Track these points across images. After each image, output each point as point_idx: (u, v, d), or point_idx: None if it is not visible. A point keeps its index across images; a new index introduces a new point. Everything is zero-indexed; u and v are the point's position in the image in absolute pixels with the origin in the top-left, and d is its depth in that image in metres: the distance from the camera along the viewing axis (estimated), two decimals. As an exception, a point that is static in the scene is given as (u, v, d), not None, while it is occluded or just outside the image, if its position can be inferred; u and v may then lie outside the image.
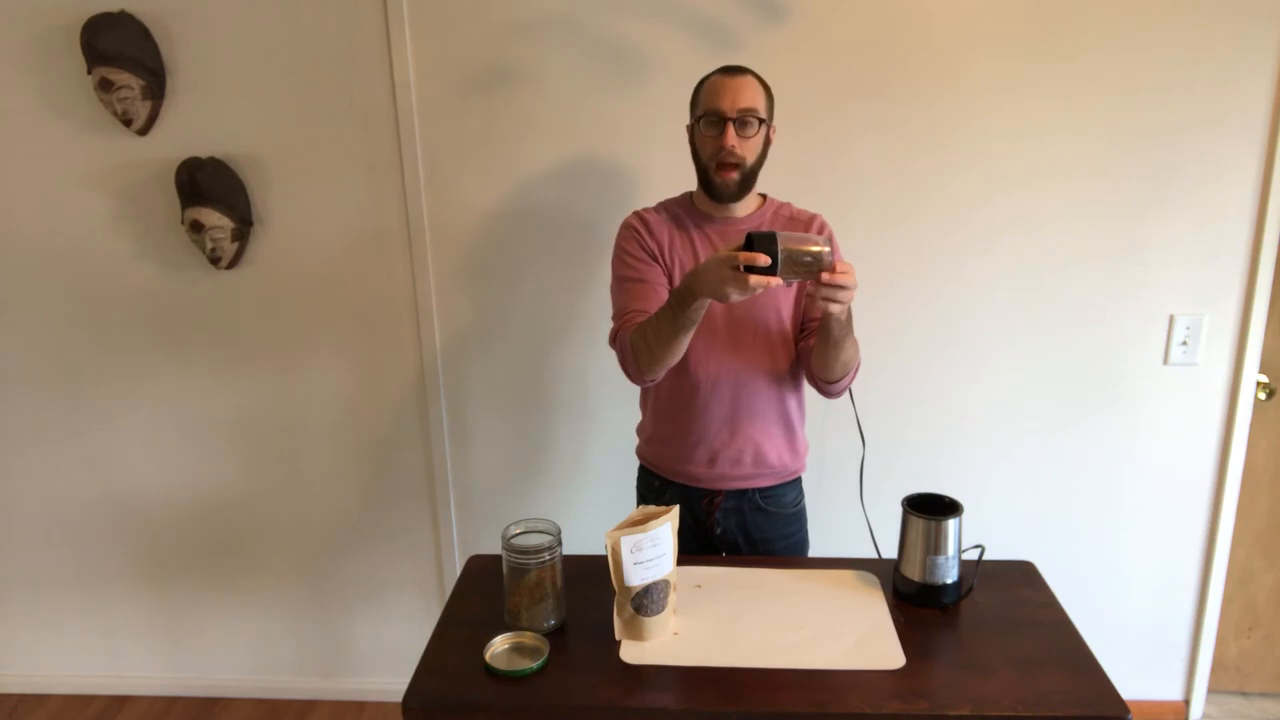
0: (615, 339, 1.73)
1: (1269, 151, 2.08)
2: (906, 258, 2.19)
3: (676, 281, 1.73)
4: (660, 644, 1.42)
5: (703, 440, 1.77)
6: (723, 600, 1.55)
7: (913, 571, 1.53)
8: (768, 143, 1.70)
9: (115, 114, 2.11)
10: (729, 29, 2.05)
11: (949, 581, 1.52)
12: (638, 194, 2.13)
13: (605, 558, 1.40)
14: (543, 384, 2.32)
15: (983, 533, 1.86)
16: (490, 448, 2.38)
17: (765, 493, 1.84)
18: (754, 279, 1.37)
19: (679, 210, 1.78)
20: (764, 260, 1.36)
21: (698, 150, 1.69)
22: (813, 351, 1.71)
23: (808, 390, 1.84)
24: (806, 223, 1.78)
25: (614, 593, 1.42)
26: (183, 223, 2.19)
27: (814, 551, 2.01)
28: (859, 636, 1.44)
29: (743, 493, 1.83)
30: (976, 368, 2.26)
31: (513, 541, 1.47)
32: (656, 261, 1.73)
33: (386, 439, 2.39)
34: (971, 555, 1.57)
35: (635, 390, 2.22)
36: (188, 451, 2.43)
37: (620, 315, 1.73)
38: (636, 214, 1.79)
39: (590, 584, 1.56)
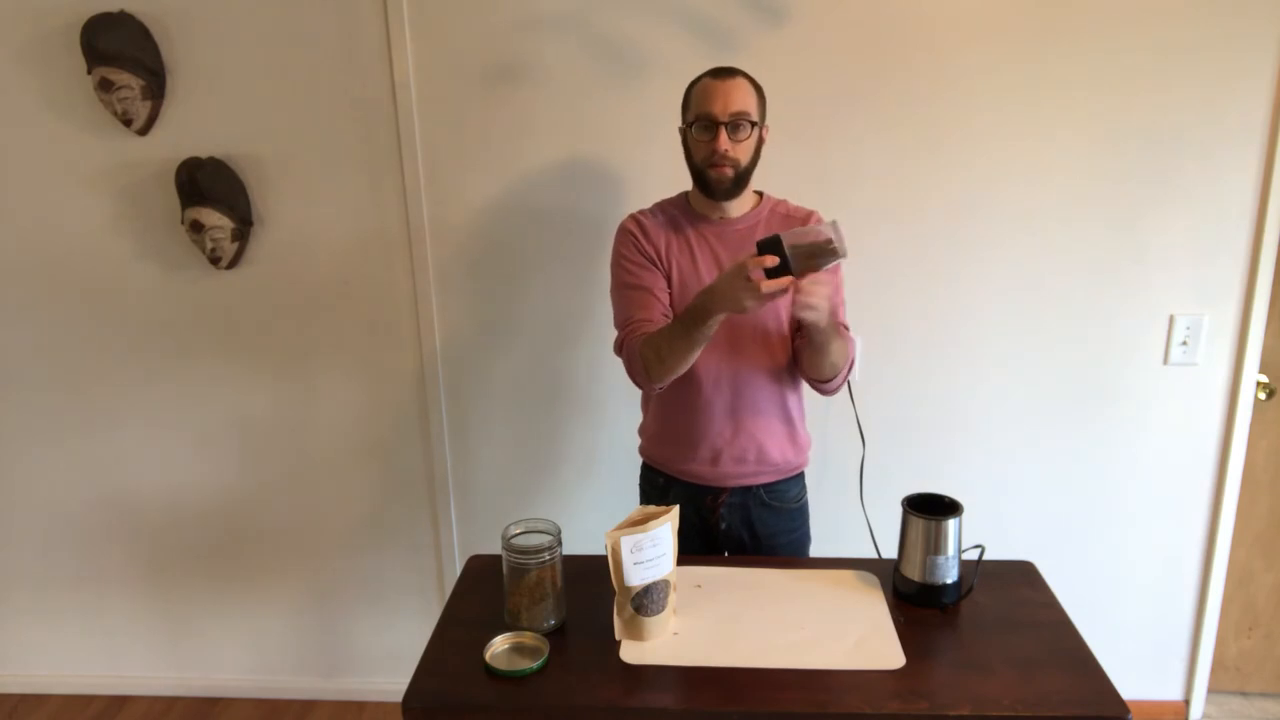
0: (622, 348, 1.74)
1: (1269, 151, 2.08)
2: (906, 258, 2.19)
3: (675, 283, 1.73)
4: (660, 644, 1.42)
5: (705, 439, 1.78)
6: (723, 600, 1.55)
7: (913, 571, 1.53)
8: (760, 143, 1.71)
9: (115, 114, 2.11)
10: (729, 28, 2.05)
11: (949, 581, 1.52)
12: (637, 193, 2.13)
13: (605, 558, 1.40)
14: (543, 383, 2.32)
15: (983, 533, 1.86)
16: (490, 447, 2.38)
17: (769, 488, 1.85)
18: (769, 285, 1.40)
19: (675, 212, 1.78)
20: (772, 262, 1.39)
21: (691, 153, 1.70)
22: (801, 353, 1.73)
23: (807, 387, 1.84)
24: (803, 219, 1.79)
25: (614, 593, 1.42)
26: (183, 223, 2.19)
27: (814, 551, 2.01)
28: (859, 636, 1.44)
29: (747, 489, 1.83)
30: (976, 368, 2.26)
31: (513, 541, 1.47)
32: (655, 266, 1.73)
33: (387, 439, 2.39)
34: (971, 555, 1.57)
35: (635, 390, 2.22)
36: (188, 451, 2.43)
37: (625, 324, 1.73)
38: (633, 218, 1.79)
39: (590, 584, 1.56)
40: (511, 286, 2.26)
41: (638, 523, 1.42)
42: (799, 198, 1.87)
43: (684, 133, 1.72)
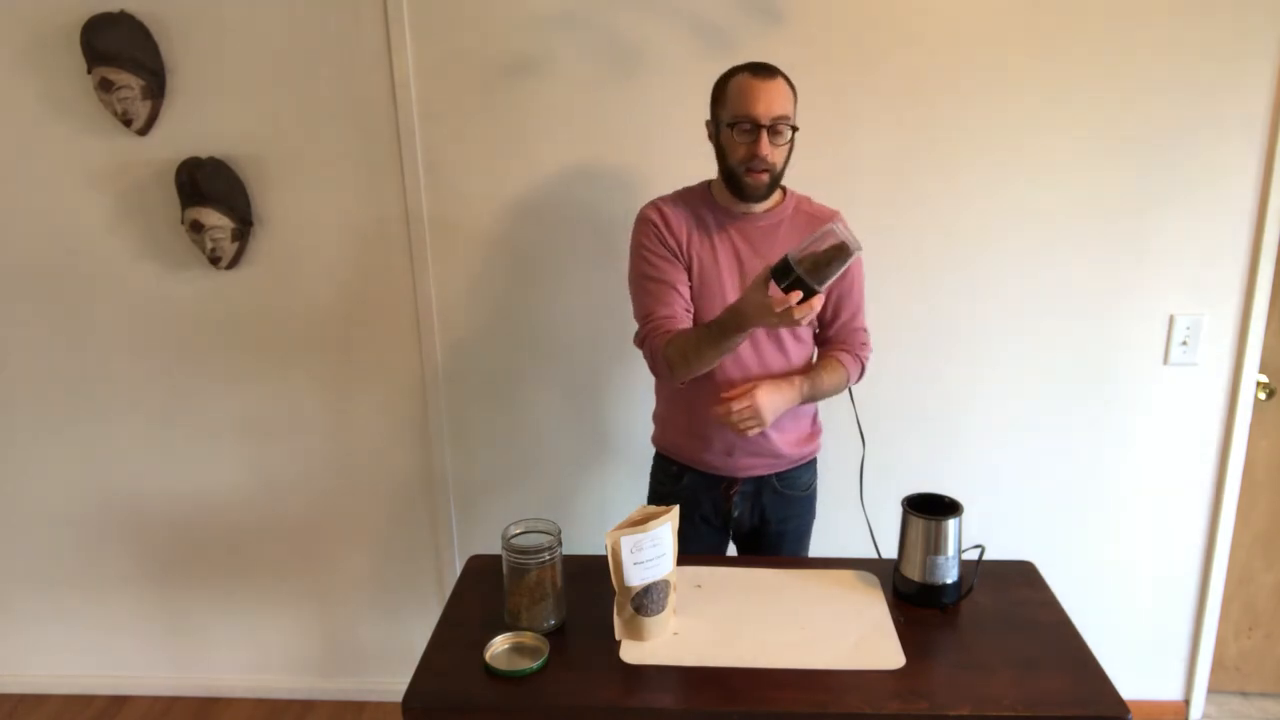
0: (644, 343, 1.73)
1: (1269, 152, 2.08)
2: (906, 258, 2.19)
3: (695, 276, 1.73)
4: (660, 644, 1.42)
5: (721, 433, 1.78)
6: (723, 600, 1.55)
7: (913, 571, 1.53)
8: (792, 145, 1.70)
9: (115, 114, 2.11)
10: (729, 25, 2.05)
11: (949, 581, 1.52)
12: (638, 191, 2.13)
13: (605, 558, 1.40)
14: (543, 383, 2.32)
15: (983, 533, 1.86)
16: (490, 447, 2.38)
17: (782, 476, 1.86)
18: (799, 311, 1.41)
19: (697, 203, 1.76)
20: (796, 296, 1.40)
21: (726, 152, 1.68)
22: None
23: None
24: (829, 219, 1.78)
25: (614, 593, 1.42)
26: (183, 223, 2.19)
27: (815, 551, 2.01)
28: (859, 636, 1.44)
29: (761, 478, 1.84)
30: (977, 368, 2.26)
31: (513, 541, 1.47)
32: (677, 258, 1.72)
33: (387, 438, 2.39)
34: (971, 555, 1.57)
35: (637, 389, 2.23)
36: (187, 451, 2.43)
37: (647, 319, 1.73)
38: (654, 206, 1.75)
39: (590, 584, 1.56)
40: (512, 286, 2.26)
41: (638, 523, 1.42)
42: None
43: (715, 127, 1.70)
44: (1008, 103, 2.08)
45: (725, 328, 1.56)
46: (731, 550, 2.00)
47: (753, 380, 1.68)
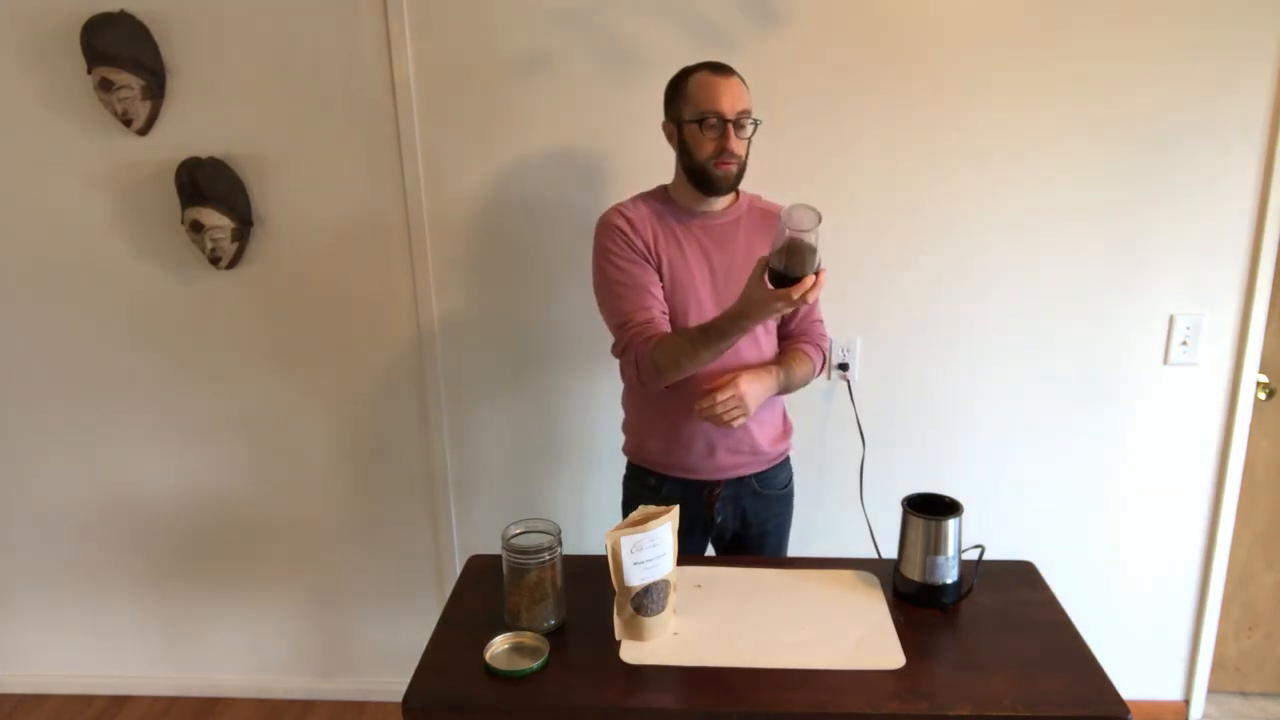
0: (625, 350, 1.73)
1: (1269, 152, 2.08)
2: (906, 257, 2.19)
3: (666, 277, 1.74)
4: (660, 644, 1.42)
5: (702, 431, 1.78)
6: (723, 600, 1.55)
7: (913, 571, 1.53)
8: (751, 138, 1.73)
9: (115, 114, 2.11)
10: (728, 25, 2.05)
11: (949, 581, 1.52)
12: (636, 188, 2.12)
13: (605, 558, 1.40)
14: (543, 382, 2.32)
15: (983, 533, 1.86)
16: (490, 447, 2.38)
17: (760, 477, 1.87)
18: (812, 295, 1.44)
19: (658, 204, 1.79)
20: (809, 283, 1.42)
21: (691, 149, 1.70)
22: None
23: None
24: (777, 213, 1.82)
25: (614, 593, 1.42)
26: (183, 223, 2.19)
27: (815, 551, 2.01)
28: (859, 636, 1.44)
29: (740, 480, 1.85)
30: (976, 367, 2.26)
31: (513, 541, 1.47)
32: (646, 260, 1.73)
33: (386, 438, 2.39)
34: (971, 555, 1.57)
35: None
36: (187, 451, 2.43)
37: (623, 325, 1.72)
38: (617, 211, 1.77)
39: (590, 584, 1.56)
40: (512, 286, 2.26)
41: (638, 523, 1.42)
42: (797, 197, 1.86)
43: (677, 128, 1.72)
44: (1007, 103, 2.08)
45: (724, 331, 1.58)
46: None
47: (730, 373, 1.69)
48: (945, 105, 2.08)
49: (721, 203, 1.78)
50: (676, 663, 1.38)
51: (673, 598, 1.46)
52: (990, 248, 2.17)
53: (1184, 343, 2.21)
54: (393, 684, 2.58)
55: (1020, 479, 2.34)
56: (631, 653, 1.40)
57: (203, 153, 2.17)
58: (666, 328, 1.72)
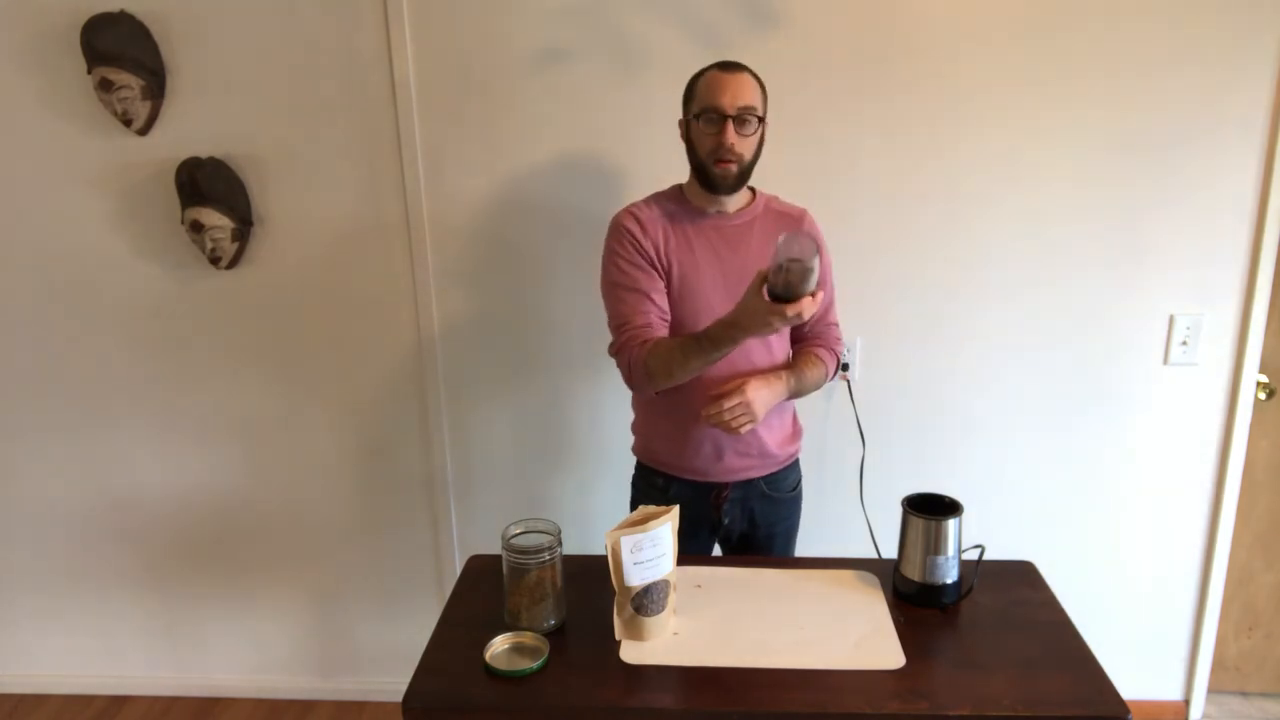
0: (620, 352, 1.73)
1: (1268, 152, 2.08)
2: (906, 258, 2.19)
3: (675, 277, 1.73)
4: (660, 644, 1.42)
5: (710, 434, 1.77)
6: (723, 600, 1.55)
7: (913, 571, 1.53)
8: (762, 139, 1.71)
9: (115, 114, 2.11)
10: (728, 25, 2.05)
11: (949, 581, 1.52)
12: (636, 188, 2.12)
13: (605, 558, 1.40)
14: (543, 382, 2.32)
15: (983, 533, 1.86)
16: (490, 447, 2.38)
17: (769, 479, 1.86)
18: (810, 309, 1.43)
19: (672, 205, 1.77)
20: (806, 306, 1.42)
21: (694, 145, 1.70)
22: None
23: None
24: (797, 218, 1.82)
25: (614, 593, 1.42)
26: (183, 223, 2.19)
27: (814, 551, 2.01)
28: (859, 636, 1.44)
29: (749, 482, 1.84)
30: (976, 368, 2.26)
31: (513, 541, 1.47)
32: (652, 266, 1.73)
33: (386, 438, 2.39)
34: (971, 555, 1.57)
35: (636, 390, 2.21)
36: (187, 451, 2.43)
37: (622, 327, 1.72)
38: (629, 213, 1.77)
39: (590, 584, 1.56)
40: (512, 285, 2.26)
41: (638, 523, 1.42)
42: (799, 197, 1.87)
43: (686, 125, 1.72)
44: (1007, 104, 2.08)
45: (718, 340, 1.58)
46: None
47: (740, 377, 1.69)
48: (945, 106, 2.08)
49: (735, 203, 1.76)
50: (676, 663, 1.38)
51: (673, 598, 1.46)
52: (990, 248, 2.17)
53: (1184, 343, 2.21)
54: (393, 684, 2.58)
55: (1020, 479, 2.34)
56: (631, 653, 1.40)
57: (203, 153, 2.17)
58: (663, 333, 1.72)
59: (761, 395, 1.66)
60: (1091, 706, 1.28)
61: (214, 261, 2.22)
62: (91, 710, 2.59)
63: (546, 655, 1.38)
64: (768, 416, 1.76)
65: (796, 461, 1.93)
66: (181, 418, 2.40)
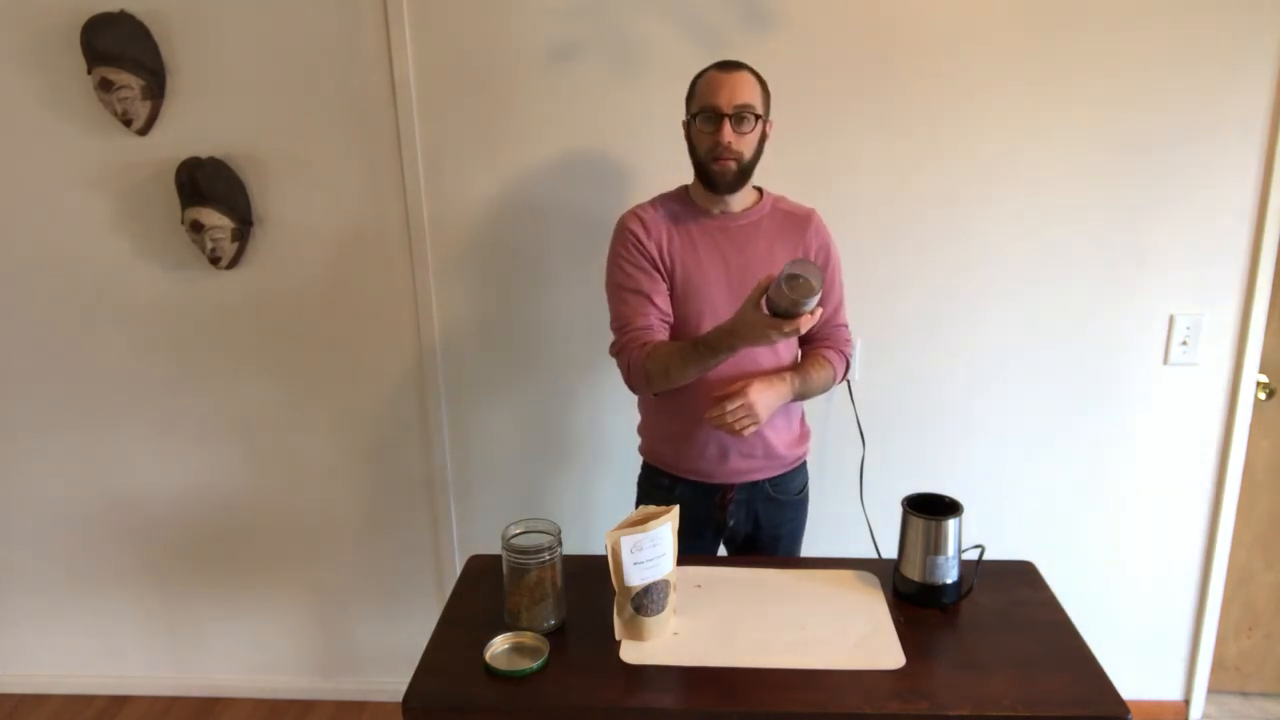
0: (620, 353, 1.74)
1: (1268, 152, 2.08)
2: (906, 258, 2.19)
3: (679, 278, 1.73)
4: (660, 644, 1.42)
5: (714, 436, 1.77)
6: (723, 600, 1.55)
7: (913, 571, 1.53)
8: (764, 138, 1.71)
9: (115, 114, 2.11)
10: (729, 25, 2.05)
11: (949, 581, 1.52)
12: (637, 188, 2.13)
13: (605, 558, 1.40)
14: (543, 382, 2.32)
15: (983, 533, 1.86)
16: (490, 447, 2.38)
17: (775, 482, 1.85)
18: (807, 323, 1.45)
19: (676, 206, 1.77)
20: (804, 323, 1.44)
21: (694, 145, 1.70)
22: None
23: None
24: (804, 217, 1.81)
25: (614, 593, 1.42)
26: (183, 223, 2.19)
27: (814, 551, 2.01)
28: (859, 636, 1.44)
29: (754, 484, 1.84)
30: (976, 368, 2.26)
31: (513, 541, 1.47)
32: (655, 268, 1.73)
33: (386, 438, 2.39)
34: (971, 555, 1.57)
35: (635, 390, 2.21)
36: (187, 451, 2.43)
37: (623, 329, 1.73)
38: (634, 214, 1.77)
39: (590, 584, 1.56)
40: (512, 285, 2.26)
41: (638, 523, 1.42)
42: (799, 198, 1.87)
43: (687, 125, 1.72)
44: (1008, 104, 2.08)
45: (714, 347, 1.58)
46: None
47: (744, 378, 1.68)
48: (946, 106, 2.08)
49: (740, 203, 1.76)
50: (676, 663, 1.38)
51: (673, 598, 1.46)
52: (990, 248, 2.17)
53: (1184, 343, 2.21)
54: (393, 684, 2.58)
55: (1020, 479, 2.34)
56: (631, 653, 1.40)
57: (203, 153, 2.17)
58: (664, 335, 1.72)
59: (765, 397, 1.65)
60: (1091, 706, 1.28)
61: (214, 261, 2.22)
62: (91, 710, 2.60)
63: (546, 655, 1.38)
64: (773, 418, 1.76)
65: (804, 464, 1.92)
66: (181, 417, 2.40)
